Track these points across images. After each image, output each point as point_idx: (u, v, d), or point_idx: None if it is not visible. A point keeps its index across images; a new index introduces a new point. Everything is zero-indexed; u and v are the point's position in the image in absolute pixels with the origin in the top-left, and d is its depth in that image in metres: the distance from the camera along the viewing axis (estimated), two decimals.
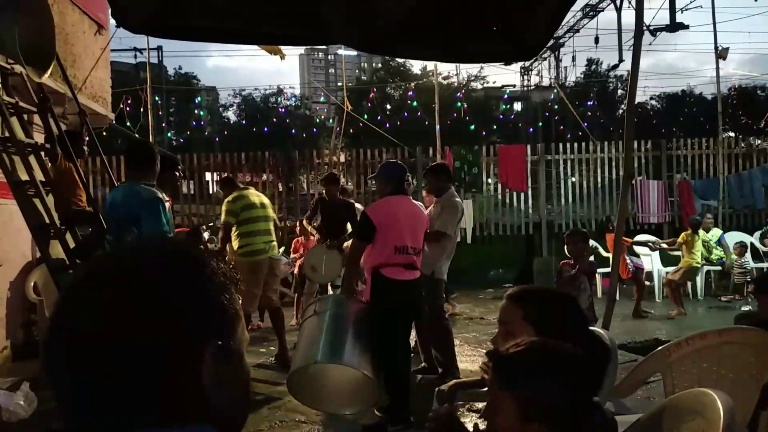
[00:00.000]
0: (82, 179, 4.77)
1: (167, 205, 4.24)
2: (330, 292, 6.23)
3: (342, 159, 12.21)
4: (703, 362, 2.04)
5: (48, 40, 4.28)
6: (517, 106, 30.49)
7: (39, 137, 5.05)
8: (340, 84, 13.14)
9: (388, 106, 21.19)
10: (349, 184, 12.18)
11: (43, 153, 4.73)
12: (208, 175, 11.99)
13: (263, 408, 4.35)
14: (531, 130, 21.69)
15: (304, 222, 6.79)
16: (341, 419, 4.08)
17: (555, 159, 11.24)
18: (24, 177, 4.29)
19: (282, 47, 7.11)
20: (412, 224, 3.81)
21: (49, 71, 4.43)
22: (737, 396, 1.86)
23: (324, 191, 6.43)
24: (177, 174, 4.65)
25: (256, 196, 5.59)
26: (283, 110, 26.65)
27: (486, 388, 2.45)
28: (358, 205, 6.79)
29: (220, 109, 38.59)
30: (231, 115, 37.36)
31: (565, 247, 4.87)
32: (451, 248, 5.07)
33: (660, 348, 2.21)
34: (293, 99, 35.88)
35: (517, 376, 1.22)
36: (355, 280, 3.99)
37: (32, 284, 5.37)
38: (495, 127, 23.16)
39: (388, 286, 3.65)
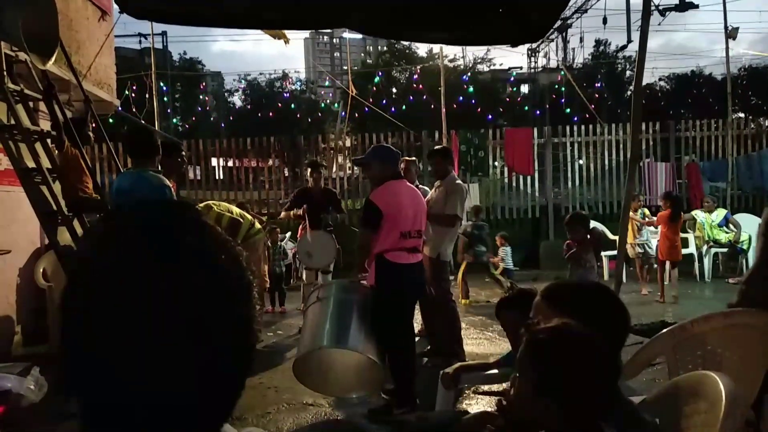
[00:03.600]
0: (89, 166, 4.78)
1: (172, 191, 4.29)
2: (320, 280, 6.22)
3: (348, 143, 12.18)
4: (707, 345, 2.04)
5: (52, 26, 4.26)
6: (524, 88, 30.24)
7: (45, 125, 5.06)
8: (345, 68, 13.06)
9: (394, 90, 21.07)
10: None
11: (49, 140, 4.74)
12: (214, 161, 12.01)
13: (269, 391, 4.39)
14: (538, 112, 21.51)
15: (283, 213, 6.81)
16: (348, 402, 4.12)
17: (562, 142, 11.18)
18: (31, 164, 4.32)
19: (286, 31, 7.07)
20: (414, 208, 3.81)
21: (53, 58, 4.43)
22: (742, 379, 1.86)
23: (310, 179, 6.54)
24: (180, 159, 4.67)
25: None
26: (287, 95, 26.55)
27: (490, 371, 2.47)
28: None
29: (226, 94, 38.59)
30: (237, 100, 37.37)
31: (567, 234, 4.88)
32: (455, 231, 5.10)
33: (665, 330, 2.21)
34: (298, 83, 35.80)
35: (544, 350, 1.24)
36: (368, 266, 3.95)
37: (41, 271, 5.42)
38: (501, 110, 22.98)
39: (393, 271, 3.65)
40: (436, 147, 5.63)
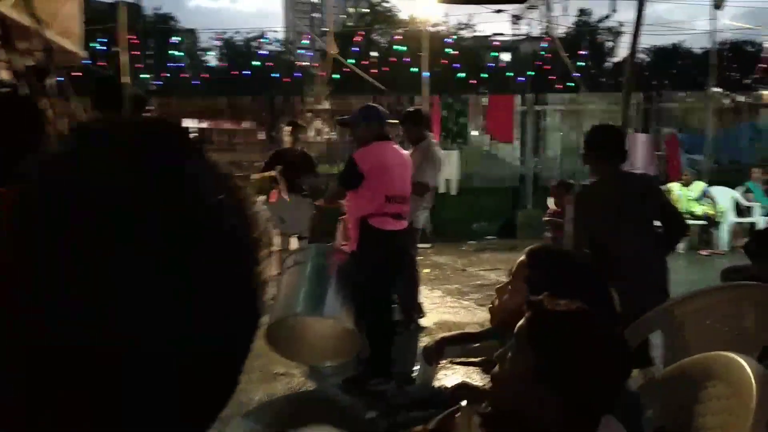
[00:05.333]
0: (49, 119, 4.48)
1: None
2: (295, 244, 6.06)
3: (327, 106, 11.88)
4: (706, 320, 1.94)
5: None
6: (507, 56, 29.91)
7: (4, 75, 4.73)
8: (325, 29, 12.65)
9: (375, 54, 20.58)
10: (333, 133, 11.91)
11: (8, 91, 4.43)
12: (187, 121, 11.63)
13: None
14: (520, 79, 21.29)
15: (255, 175, 6.60)
16: (321, 372, 4.01)
17: (544, 110, 11.04)
18: None
19: None
20: (400, 171, 3.64)
21: None
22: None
23: (289, 139, 6.34)
24: (146, 115, 4.49)
25: None
26: (265, 53, 25.84)
27: (475, 344, 2.35)
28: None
29: (199, 53, 37.45)
30: (212, 58, 36.33)
31: (552, 199, 4.78)
32: (430, 198, 4.97)
33: (663, 306, 2.10)
34: (277, 43, 34.89)
35: (550, 334, 1.09)
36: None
37: None
38: (485, 76, 22.68)
39: (377, 237, 3.50)
40: (407, 110, 5.40)
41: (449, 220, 10.06)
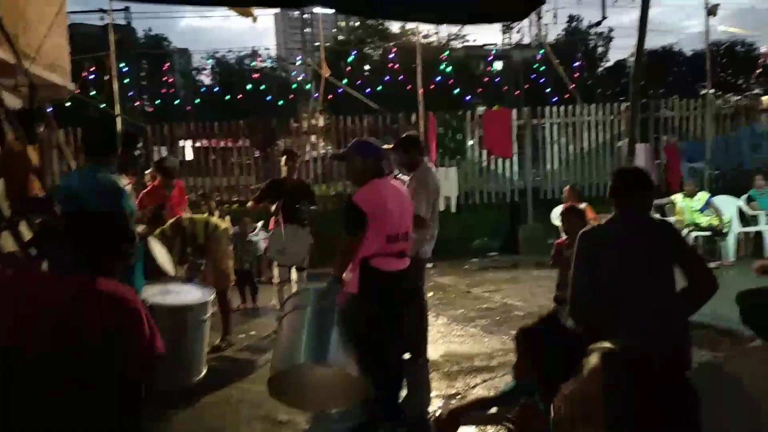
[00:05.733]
0: (35, 165, 4.35)
1: (128, 187, 3.96)
2: (294, 276, 5.93)
3: (321, 123, 11.75)
4: None
5: None
6: (499, 65, 29.84)
7: None
8: (317, 44, 12.53)
9: (367, 67, 20.43)
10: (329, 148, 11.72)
11: None
12: (181, 142, 11.51)
13: (242, 406, 4.08)
14: (517, 92, 21.18)
15: (249, 204, 6.49)
16: (327, 419, 3.83)
17: (541, 124, 10.92)
18: None
19: (254, 8, 6.66)
20: (400, 208, 3.47)
21: None
22: None
23: (284, 168, 6.15)
24: (136, 153, 4.46)
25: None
26: (257, 74, 25.74)
27: (491, 410, 2.18)
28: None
29: (193, 72, 37.38)
30: (205, 78, 36.25)
31: (560, 224, 4.58)
32: (434, 228, 4.81)
33: None
34: (269, 60, 34.80)
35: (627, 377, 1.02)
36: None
37: None
38: (479, 90, 22.59)
39: (379, 278, 3.33)
40: (404, 135, 5.25)
41: (450, 238, 9.87)
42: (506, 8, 3.60)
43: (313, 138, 11.97)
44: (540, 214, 10.12)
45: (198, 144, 11.74)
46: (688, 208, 8.61)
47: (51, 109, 9.80)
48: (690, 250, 3.07)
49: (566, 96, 13.24)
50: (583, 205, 7.80)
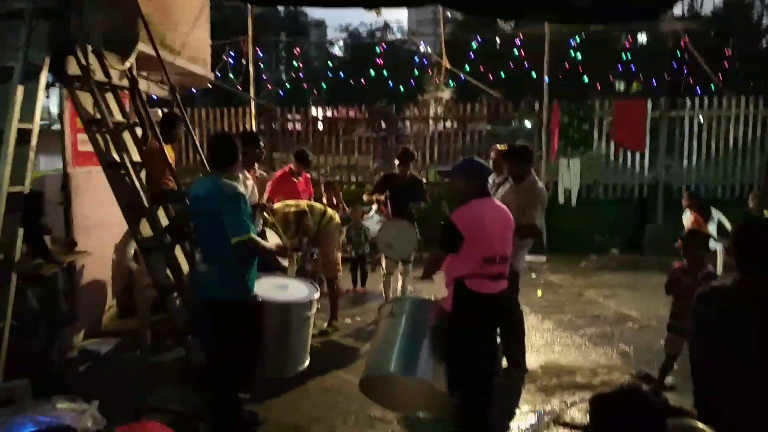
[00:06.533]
0: (170, 165, 4.88)
1: (250, 183, 4.41)
2: (400, 267, 6.18)
3: (447, 95, 11.73)
4: None
5: (131, 26, 4.24)
6: (642, 38, 27.48)
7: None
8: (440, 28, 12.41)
9: (491, 52, 19.67)
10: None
11: (139, 130, 4.83)
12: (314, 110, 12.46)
13: (339, 398, 4.32)
14: (654, 81, 19.52)
15: (365, 196, 6.66)
16: (416, 421, 3.96)
17: (680, 116, 10.07)
18: (116, 156, 4.36)
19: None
20: (500, 230, 3.45)
21: (132, 58, 4.43)
22: None
23: (397, 166, 6.27)
24: (257, 151, 5.22)
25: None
26: (385, 48, 26.04)
27: None
28: None
29: (327, 44, 38.68)
30: (337, 50, 37.40)
31: (681, 249, 4.26)
32: (530, 240, 4.74)
33: None
34: (399, 32, 35.15)
35: None
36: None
37: (132, 252, 5.62)
38: (615, 71, 21.05)
39: (473, 300, 3.35)
40: (513, 145, 5.15)
41: (568, 232, 9.54)
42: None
43: (433, 111, 11.99)
44: (670, 213, 9.42)
45: (329, 113, 12.50)
46: None
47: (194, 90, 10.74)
48: None
49: (712, 87, 12.03)
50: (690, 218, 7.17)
